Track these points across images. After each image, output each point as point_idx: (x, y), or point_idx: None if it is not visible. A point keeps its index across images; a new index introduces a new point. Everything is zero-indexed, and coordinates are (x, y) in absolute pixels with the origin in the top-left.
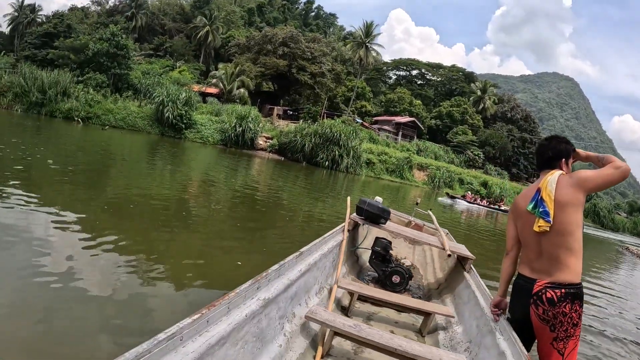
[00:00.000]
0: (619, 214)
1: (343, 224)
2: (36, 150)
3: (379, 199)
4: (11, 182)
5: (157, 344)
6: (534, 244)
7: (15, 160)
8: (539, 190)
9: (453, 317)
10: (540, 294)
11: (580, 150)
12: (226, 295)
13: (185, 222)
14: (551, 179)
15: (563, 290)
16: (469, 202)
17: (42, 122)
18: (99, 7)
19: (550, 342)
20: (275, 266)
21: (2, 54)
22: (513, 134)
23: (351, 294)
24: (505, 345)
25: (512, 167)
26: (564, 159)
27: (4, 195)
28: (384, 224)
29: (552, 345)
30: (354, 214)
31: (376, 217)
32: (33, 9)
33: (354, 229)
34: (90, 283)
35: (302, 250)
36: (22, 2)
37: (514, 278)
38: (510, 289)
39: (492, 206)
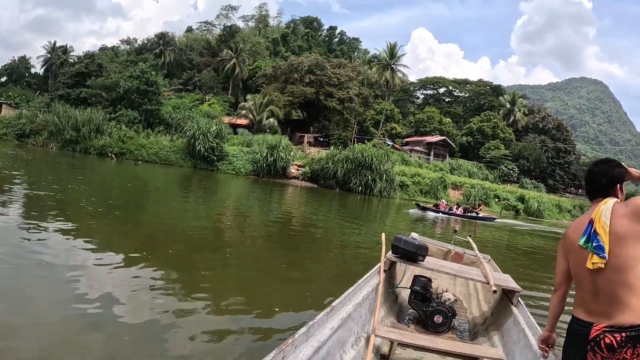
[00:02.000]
0: None
1: (379, 265)
2: (71, 187)
3: (415, 235)
4: (50, 219)
5: None
6: (588, 282)
7: (52, 197)
8: (591, 222)
9: (503, 359)
10: (598, 339)
11: (632, 170)
12: None
13: (221, 260)
14: (605, 208)
15: (624, 335)
16: (443, 212)
17: (77, 159)
18: (128, 46)
19: None
20: (303, 329)
21: (37, 94)
22: (546, 144)
23: (391, 340)
24: None
25: (548, 179)
26: (618, 185)
27: (44, 229)
28: (422, 261)
29: None
30: (390, 252)
31: (413, 254)
32: (65, 50)
33: (391, 267)
34: (127, 320)
35: (333, 304)
36: (55, 43)
37: (567, 321)
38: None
39: (468, 214)
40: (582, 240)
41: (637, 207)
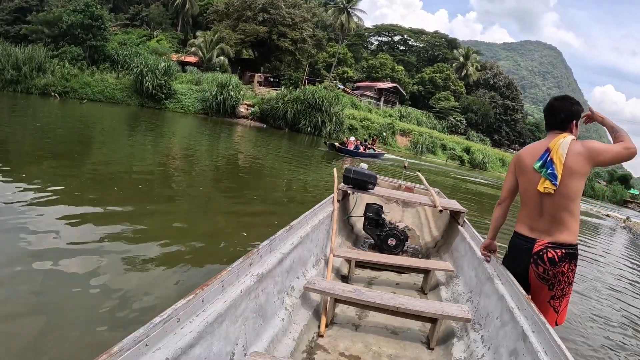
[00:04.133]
0: (599, 182)
1: (332, 195)
2: (10, 129)
3: (364, 165)
4: None
5: (154, 327)
6: (535, 203)
7: None
8: (548, 150)
9: (452, 271)
10: (541, 253)
11: (597, 113)
12: (219, 274)
13: (171, 196)
14: (563, 142)
15: (564, 251)
16: (351, 152)
17: (18, 100)
18: None
19: (548, 300)
20: (266, 242)
21: None
22: (495, 100)
23: (349, 261)
24: (504, 289)
25: (494, 134)
26: (574, 121)
27: None
28: (373, 189)
29: (550, 303)
30: (342, 183)
31: (364, 183)
32: None
33: (344, 198)
34: (78, 265)
35: (292, 223)
36: None
37: (511, 237)
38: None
39: (366, 151)
40: (538, 164)
41: (592, 150)
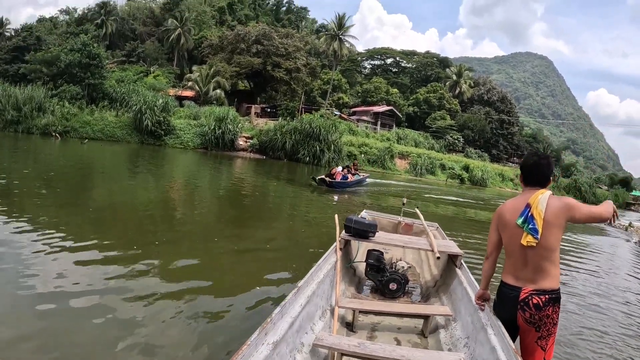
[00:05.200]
0: (600, 187)
1: (334, 244)
2: (14, 170)
3: (364, 214)
4: None
5: None
6: (519, 255)
7: None
8: (528, 206)
9: (450, 315)
10: (527, 300)
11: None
12: (240, 350)
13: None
14: (542, 198)
15: (547, 296)
16: (337, 184)
17: (20, 141)
18: (68, 16)
19: (535, 340)
20: (278, 308)
21: None
22: (491, 116)
23: (353, 310)
24: (496, 340)
25: (492, 149)
26: (551, 177)
27: None
28: (373, 237)
29: (537, 343)
30: (343, 232)
31: (364, 232)
32: (0, 23)
33: (346, 245)
34: (83, 308)
35: (299, 284)
36: None
37: (498, 285)
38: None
39: (354, 178)
40: (520, 220)
41: (569, 207)
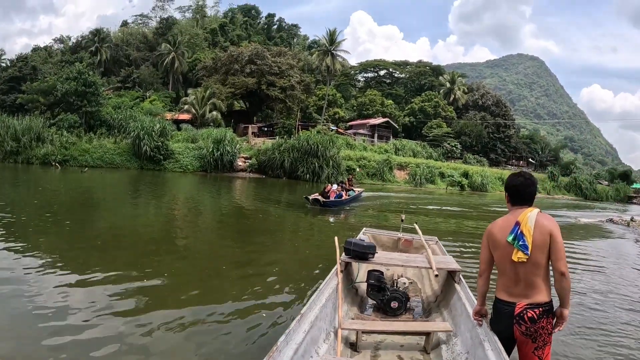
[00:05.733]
0: (601, 183)
1: (335, 267)
2: (19, 202)
3: (362, 236)
4: None
5: None
6: (511, 271)
7: None
8: (518, 224)
9: (451, 331)
10: (522, 314)
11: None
12: None
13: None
14: (531, 215)
15: (541, 309)
16: (329, 203)
17: (20, 172)
18: (62, 45)
19: (532, 351)
20: (283, 336)
21: None
22: (486, 120)
23: (356, 330)
24: (493, 356)
25: (490, 153)
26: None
27: None
28: (372, 258)
29: (534, 353)
30: (343, 254)
31: (363, 254)
32: None
33: (347, 267)
34: (90, 332)
35: (302, 312)
36: None
37: (494, 302)
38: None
39: (349, 195)
40: (510, 237)
41: (553, 232)
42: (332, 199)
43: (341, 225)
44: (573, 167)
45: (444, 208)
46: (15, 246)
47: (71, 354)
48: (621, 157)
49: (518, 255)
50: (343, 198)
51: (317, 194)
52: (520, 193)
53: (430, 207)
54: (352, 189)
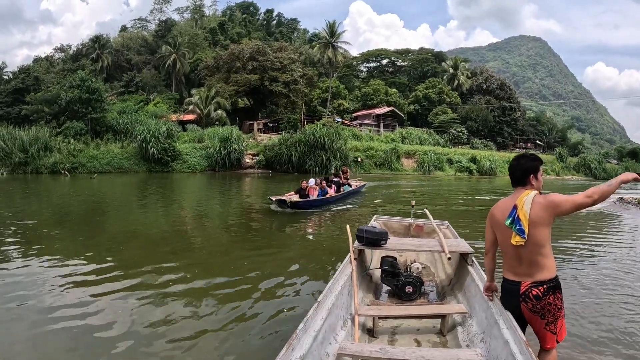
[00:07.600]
0: (610, 162)
1: (349, 255)
2: (27, 211)
3: (374, 223)
4: (12, 247)
5: None
6: (513, 252)
7: (8, 224)
8: (515, 207)
9: (466, 312)
10: (527, 292)
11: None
12: None
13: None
14: (527, 199)
15: (545, 286)
16: (306, 203)
17: (30, 182)
18: (63, 54)
19: (544, 327)
20: (301, 324)
21: None
22: (492, 104)
23: (372, 316)
24: (508, 334)
25: (497, 137)
26: (532, 175)
27: (9, 256)
28: (385, 244)
29: (546, 329)
30: (356, 242)
31: (375, 240)
32: None
33: (360, 254)
34: (108, 332)
35: (319, 299)
36: None
37: (502, 282)
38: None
39: (341, 191)
40: (508, 221)
41: (553, 203)
42: (313, 197)
43: (354, 217)
44: (581, 147)
45: (452, 196)
46: (30, 249)
47: (95, 351)
48: (629, 135)
49: (516, 239)
50: (329, 195)
51: (289, 193)
52: (511, 173)
53: (440, 194)
54: (348, 183)
